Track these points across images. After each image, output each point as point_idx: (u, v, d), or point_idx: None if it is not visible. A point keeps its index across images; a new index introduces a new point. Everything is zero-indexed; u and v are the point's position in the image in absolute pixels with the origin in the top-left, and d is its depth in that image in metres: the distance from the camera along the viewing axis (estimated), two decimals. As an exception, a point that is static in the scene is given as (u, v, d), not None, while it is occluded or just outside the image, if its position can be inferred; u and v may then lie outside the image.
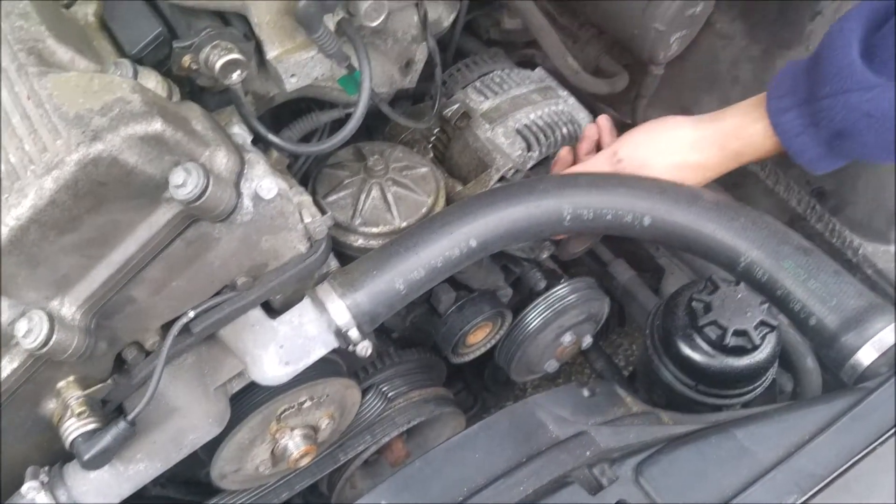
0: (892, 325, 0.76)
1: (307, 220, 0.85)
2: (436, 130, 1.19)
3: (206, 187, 0.69)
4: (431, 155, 1.18)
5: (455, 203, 0.93)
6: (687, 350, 1.04)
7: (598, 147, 1.08)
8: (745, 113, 0.95)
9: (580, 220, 0.91)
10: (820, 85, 0.84)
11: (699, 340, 1.03)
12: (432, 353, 1.25)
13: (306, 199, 0.87)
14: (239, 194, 0.75)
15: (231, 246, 0.79)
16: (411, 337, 1.26)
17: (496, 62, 1.23)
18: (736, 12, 1.20)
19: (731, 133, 0.95)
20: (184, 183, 0.69)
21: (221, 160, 0.73)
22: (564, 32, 1.31)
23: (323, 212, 0.87)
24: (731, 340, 1.01)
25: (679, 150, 0.98)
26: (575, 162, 1.08)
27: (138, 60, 0.83)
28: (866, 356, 0.75)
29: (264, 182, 0.76)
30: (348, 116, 0.95)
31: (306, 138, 1.04)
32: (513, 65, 1.27)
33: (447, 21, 1.14)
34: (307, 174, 1.08)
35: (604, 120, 1.07)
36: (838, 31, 0.84)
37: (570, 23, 1.30)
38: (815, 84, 0.85)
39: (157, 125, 0.67)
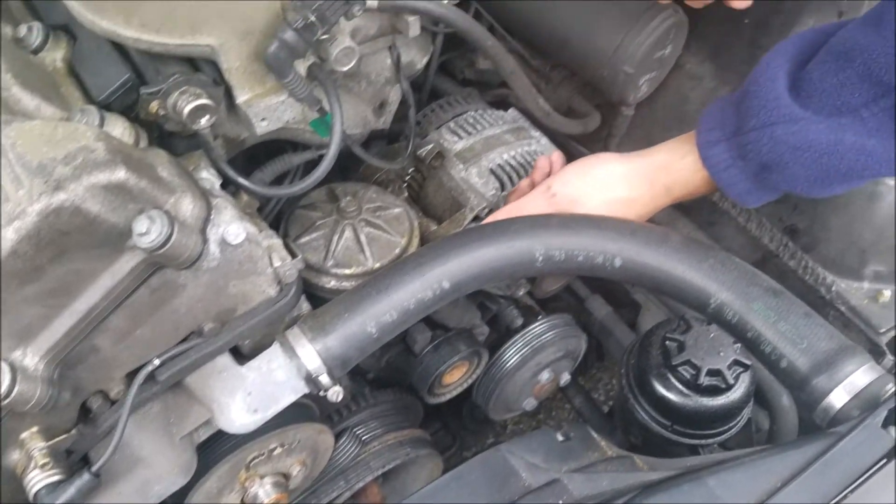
0: (863, 367, 0.76)
1: (277, 263, 0.84)
2: (410, 170, 1.19)
3: (171, 235, 0.68)
4: (406, 195, 1.18)
5: (428, 244, 0.93)
6: (661, 390, 1.04)
7: None
8: (673, 149, 0.96)
9: (552, 261, 0.91)
10: (747, 118, 0.85)
11: (673, 380, 1.03)
12: (408, 393, 1.24)
13: (276, 242, 0.86)
14: (205, 240, 0.74)
15: (197, 292, 0.78)
16: (387, 377, 1.25)
17: (470, 103, 1.24)
18: (705, 54, 1.22)
19: (660, 167, 0.96)
20: (147, 231, 0.68)
21: (187, 207, 0.72)
22: (537, 73, 1.32)
23: (293, 255, 0.86)
24: (705, 380, 1.01)
25: (610, 185, 0.98)
26: None
27: (106, 106, 0.83)
28: (838, 399, 0.75)
29: (231, 227, 0.76)
30: (321, 158, 0.95)
31: (279, 179, 1.04)
32: (486, 105, 1.28)
33: (420, 63, 1.15)
34: (280, 215, 1.08)
35: (557, 156, 1.08)
36: (766, 65, 0.86)
37: (542, 64, 1.31)
38: (742, 117, 0.86)
39: (120, 174, 0.66)
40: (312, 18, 0.79)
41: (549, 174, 1.05)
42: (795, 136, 0.82)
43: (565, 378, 1.41)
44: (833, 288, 1.23)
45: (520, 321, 1.27)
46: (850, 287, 1.24)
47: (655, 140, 1.38)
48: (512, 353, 1.29)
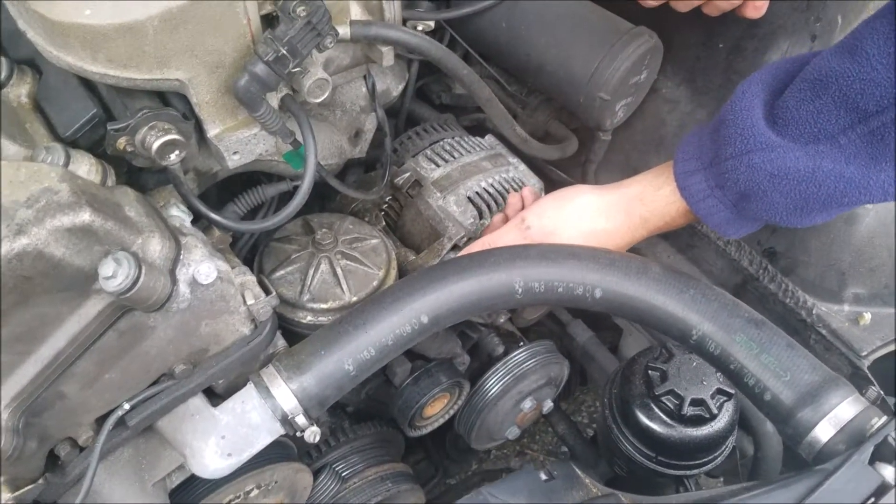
0: (848, 399, 0.75)
1: (250, 301, 0.82)
2: (387, 198, 1.17)
3: (138, 277, 0.66)
4: (383, 223, 1.16)
5: (405, 278, 0.91)
6: (645, 420, 1.03)
7: None
8: (649, 180, 0.96)
9: (532, 292, 0.89)
10: (724, 146, 0.84)
11: (657, 410, 1.02)
12: (389, 425, 1.22)
13: (249, 279, 0.84)
14: (175, 281, 0.72)
15: (168, 334, 0.76)
16: (367, 410, 1.23)
17: (446, 129, 1.23)
18: (681, 78, 1.22)
19: (636, 198, 0.95)
20: (114, 274, 0.66)
21: (155, 247, 0.70)
22: (513, 98, 1.32)
23: (267, 291, 0.84)
24: (688, 410, 1.00)
25: (585, 217, 0.97)
26: None
27: (73, 142, 0.80)
28: (823, 433, 0.74)
29: (202, 267, 0.74)
30: (296, 189, 0.94)
31: (254, 211, 1.02)
32: (463, 131, 1.27)
33: (396, 90, 1.14)
34: (255, 247, 1.06)
35: (527, 191, 1.08)
36: (741, 94, 0.85)
37: (519, 89, 1.31)
38: (719, 146, 0.85)
39: (85, 216, 0.64)
40: (283, 51, 0.77)
41: (521, 209, 1.04)
42: (772, 163, 0.81)
43: (548, 406, 1.39)
44: (814, 311, 1.23)
45: (501, 349, 1.25)
46: (831, 310, 1.23)
47: (634, 163, 1.38)
48: (494, 382, 1.27)
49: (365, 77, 1.03)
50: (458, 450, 1.55)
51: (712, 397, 1.00)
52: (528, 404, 1.33)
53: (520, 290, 0.89)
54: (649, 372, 1.02)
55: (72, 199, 0.64)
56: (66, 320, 0.69)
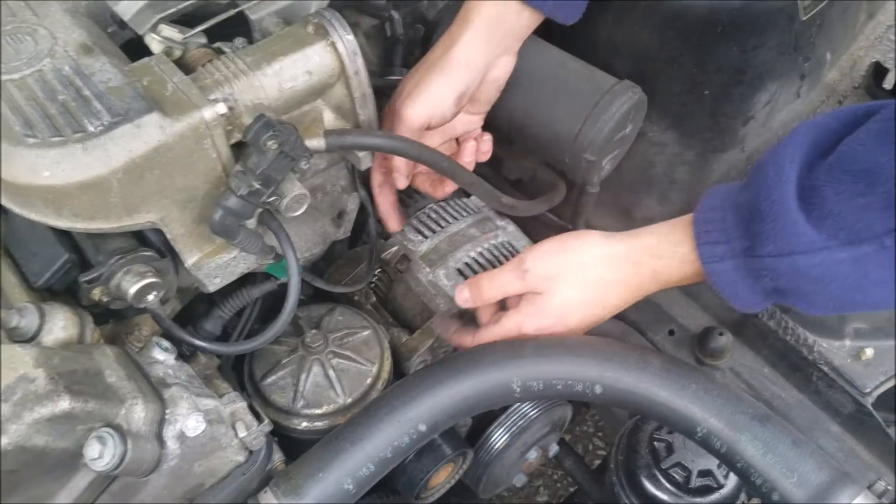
0: (857, 499, 0.74)
1: (242, 434, 0.80)
2: (377, 271, 1.15)
3: (125, 453, 0.64)
4: (374, 299, 1.14)
5: (399, 383, 0.89)
6: (652, 490, 1.02)
7: None
8: (665, 234, 0.89)
9: (530, 391, 0.88)
10: (761, 243, 0.78)
11: (664, 481, 1.01)
12: (395, 495, 1.21)
13: (240, 406, 0.82)
14: (163, 444, 0.70)
15: (161, 482, 0.74)
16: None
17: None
18: (667, 124, 1.19)
19: (649, 251, 0.89)
20: (100, 455, 0.64)
21: (139, 414, 0.68)
22: (499, 145, 1.29)
23: (259, 419, 0.82)
24: (696, 482, 0.99)
25: (589, 265, 0.91)
26: None
27: (48, 287, 0.78)
28: (834, 536, 0.73)
29: (189, 422, 0.72)
30: (282, 286, 0.91)
31: (240, 312, 1.00)
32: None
33: (376, 163, 1.10)
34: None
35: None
36: (776, 178, 0.77)
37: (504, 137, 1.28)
38: (755, 240, 0.79)
39: (64, 404, 0.62)
40: (257, 185, 0.75)
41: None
42: (817, 268, 0.75)
43: (553, 450, 1.39)
44: (815, 348, 1.21)
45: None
46: (832, 346, 1.22)
47: (623, 203, 1.35)
48: (498, 436, 1.26)
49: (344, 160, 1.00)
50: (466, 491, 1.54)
51: (719, 466, 0.99)
52: (533, 454, 1.33)
53: (518, 390, 0.88)
54: (654, 443, 1.01)
55: (49, 387, 0.62)
56: (56, 495, 0.68)
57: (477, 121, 1.10)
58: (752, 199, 0.79)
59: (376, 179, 1.06)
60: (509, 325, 0.93)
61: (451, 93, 0.98)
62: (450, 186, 1.07)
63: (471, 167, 1.07)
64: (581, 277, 0.91)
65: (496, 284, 0.95)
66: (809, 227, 0.75)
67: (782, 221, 0.76)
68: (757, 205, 0.78)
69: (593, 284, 0.91)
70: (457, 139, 1.11)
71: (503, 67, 1.04)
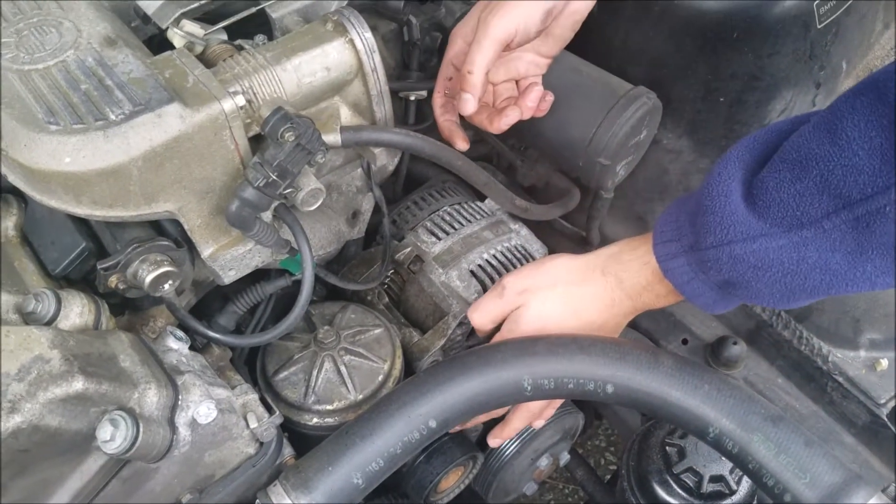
0: (872, 499, 0.73)
1: (253, 425, 0.80)
2: (390, 272, 1.15)
3: (137, 437, 0.65)
4: (386, 299, 1.14)
5: (410, 379, 0.89)
6: (664, 495, 1.01)
7: None
8: (627, 243, 0.94)
9: (541, 389, 0.88)
10: (704, 234, 0.81)
11: (676, 487, 1.00)
12: (403, 497, 1.20)
13: (251, 398, 0.82)
14: (174, 430, 0.71)
15: (171, 470, 0.75)
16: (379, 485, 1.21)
17: (445, 196, 1.20)
18: (682, 130, 1.19)
19: (611, 256, 0.93)
20: (112, 437, 0.64)
21: (152, 399, 0.68)
22: (512, 151, 1.30)
23: (270, 411, 0.83)
24: (708, 487, 0.98)
25: (559, 276, 0.96)
26: None
27: (65, 276, 0.79)
28: (848, 539, 0.72)
29: (201, 409, 0.72)
30: (294, 284, 0.92)
31: (254, 308, 1.00)
32: (464, 192, 1.24)
33: (392, 164, 1.11)
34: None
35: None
36: (717, 176, 0.80)
37: (518, 143, 1.28)
38: (698, 233, 0.82)
39: (78, 385, 0.63)
40: (274, 177, 0.75)
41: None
42: (755, 255, 0.77)
43: (564, 459, 1.38)
44: (829, 358, 1.21)
45: (513, 409, 1.23)
46: (847, 357, 1.21)
47: (638, 210, 1.36)
48: (509, 443, 1.26)
49: (359, 158, 1.01)
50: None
51: (731, 472, 0.98)
52: (544, 462, 1.32)
53: (529, 388, 0.88)
54: (666, 448, 1.01)
55: (64, 367, 0.63)
56: (67, 479, 0.68)
57: (543, 65, 1.07)
58: (699, 198, 0.82)
59: (437, 101, 1.06)
60: None
61: (539, 6, 0.96)
62: (505, 119, 1.02)
63: (530, 113, 1.03)
64: (552, 290, 0.95)
65: (480, 310, 0.99)
66: (750, 216, 0.77)
67: (721, 212, 0.79)
68: (702, 201, 0.81)
69: (564, 295, 0.95)
70: (517, 82, 1.09)
71: (585, 1, 1.00)
